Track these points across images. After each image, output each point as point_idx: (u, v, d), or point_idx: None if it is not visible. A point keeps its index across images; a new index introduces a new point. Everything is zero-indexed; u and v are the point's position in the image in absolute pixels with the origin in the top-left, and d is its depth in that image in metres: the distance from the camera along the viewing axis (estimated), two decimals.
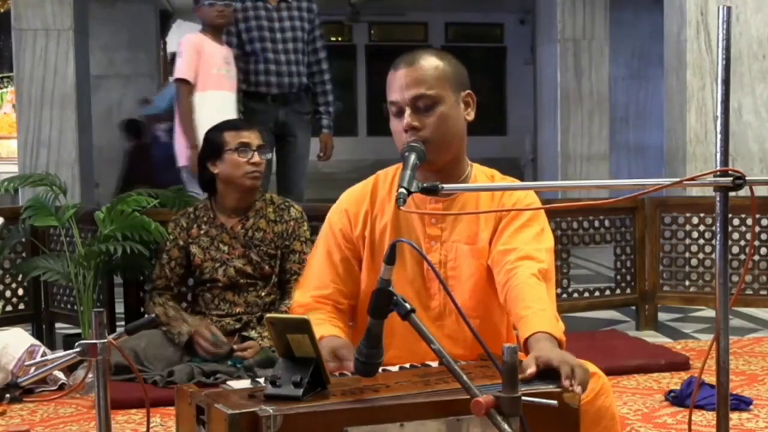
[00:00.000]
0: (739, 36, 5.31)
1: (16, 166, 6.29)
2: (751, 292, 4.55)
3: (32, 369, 3.14)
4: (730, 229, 4.43)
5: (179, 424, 1.76)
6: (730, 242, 4.51)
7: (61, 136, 6.11)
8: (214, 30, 4.83)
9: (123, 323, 4.04)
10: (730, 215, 2.22)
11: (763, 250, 4.55)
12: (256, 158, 3.56)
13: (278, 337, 1.64)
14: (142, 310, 4.07)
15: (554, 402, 1.54)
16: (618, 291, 4.72)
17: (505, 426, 1.44)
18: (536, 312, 1.86)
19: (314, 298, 2.12)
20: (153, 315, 3.57)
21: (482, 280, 2.07)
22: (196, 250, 3.65)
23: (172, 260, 3.68)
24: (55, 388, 3.56)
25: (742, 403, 3.21)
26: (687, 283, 4.65)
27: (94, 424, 2.85)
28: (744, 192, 1.76)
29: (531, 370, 1.67)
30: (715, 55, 4.17)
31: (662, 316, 4.85)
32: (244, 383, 1.73)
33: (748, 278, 4.53)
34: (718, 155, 1.77)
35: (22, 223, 4.09)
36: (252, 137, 3.60)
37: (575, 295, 4.69)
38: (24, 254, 4.30)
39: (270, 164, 5.09)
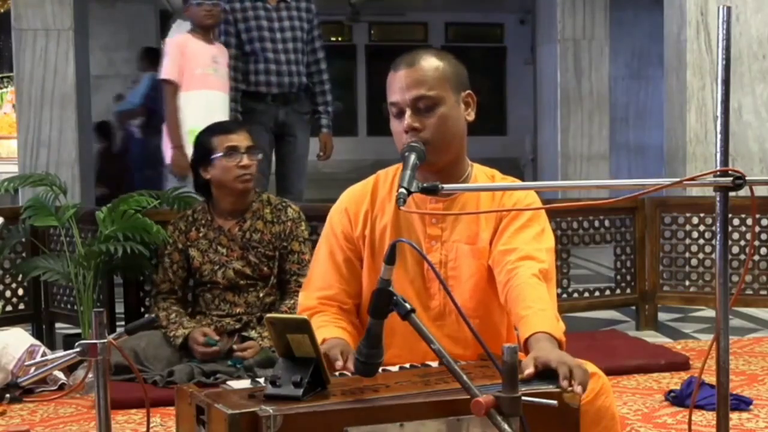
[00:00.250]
0: (739, 36, 5.31)
1: (16, 166, 6.28)
2: (751, 292, 4.55)
3: (32, 369, 3.14)
4: (730, 229, 4.43)
5: (179, 424, 1.76)
6: (730, 242, 4.51)
7: (61, 136, 6.11)
8: (202, 30, 4.83)
9: (123, 323, 4.04)
10: (730, 215, 2.22)
11: (763, 250, 4.55)
12: (246, 161, 3.54)
13: (278, 337, 1.64)
14: (142, 310, 4.07)
15: (554, 402, 1.54)
16: (618, 291, 4.72)
17: (505, 426, 1.44)
18: (537, 312, 1.86)
19: (319, 299, 2.12)
20: (153, 315, 3.59)
21: (482, 281, 2.07)
22: (195, 252, 3.65)
23: (174, 263, 3.68)
24: (55, 388, 3.56)
25: (742, 403, 3.21)
26: (687, 283, 4.65)
27: (94, 424, 2.85)
28: (744, 192, 1.76)
29: (529, 370, 1.67)
30: (715, 55, 4.17)
31: (662, 316, 4.85)
32: (244, 383, 1.73)
33: (748, 278, 4.53)
34: (718, 155, 1.77)
35: (22, 223, 4.09)
36: (240, 139, 3.58)
37: (575, 295, 4.69)
38: (24, 254, 4.30)
39: (269, 164, 5.10)
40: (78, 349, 1.80)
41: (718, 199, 1.77)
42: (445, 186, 1.78)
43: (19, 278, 4.32)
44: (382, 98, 2.09)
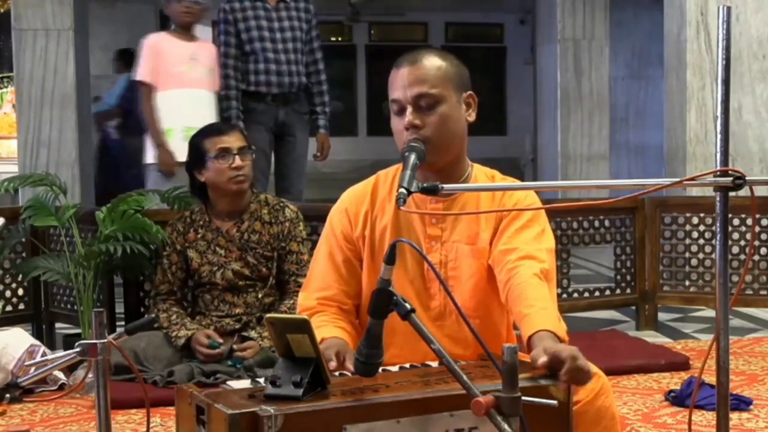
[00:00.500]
0: (739, 36, 5.31)
1: (16, 166, 6.28)
2: (751, 292, 4.55)
3: (32, 369, 3.14)
4: (730, 229, 4.44)
5: (179, 424, 1.76)
6: (730, 242, 4.51)
7: (61, 136, 6.10)
8: (181, 27, 4.83)
9: (123, 323, 4.04)
10: (730, 215, 2.22)
11: (763, 250, 4.55)
12: (237, 162, 3.53)
13: (278, 337, 1.64)
14: (142, 310, 4.07)
15: (554, 402, 1.53)
16: (618, 291, 4.72)
17: (505, 426, 1.44)
18: (539, 311, 1.86)
19: (318, 300, 2.12)
20: (153, 315, 3.59)
21: (482, 281, 2.07)
22: (194, 254, 3.65)
23: (173, 265, 3.69)
24: (55, 388, 3.56)
25: (742, 403, 3.21)
26: (687, 283, 4.65)
27: (94, 424, 2.85)
28: (744, 192, 1.76)
29: (543, 359, 1.66)
30: (715, 55, 4.17)
31: (662, 316, 4.85)
32: (244, 383, 1.73)
33: (748, 278, 4.53)
34: (718, 155, 1.77)
35: (22, 223, 4.09)
36: (232, 140, 3.57)
37: (575, 295, 4.69)
38: (24, 254, 4.30)
39: (269, 164, 5.10)
40: (78, 349, 1.80)
41: (718, 199, 1.77)
42: (445, 186, 1.78)
43: (19, 278, 4.32)
44: (382, 98, 2.09)
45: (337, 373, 1.81)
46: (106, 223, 3.74)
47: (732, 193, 1.74)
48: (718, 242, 1.79)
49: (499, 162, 4.71)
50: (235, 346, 3.54)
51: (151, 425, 2.29)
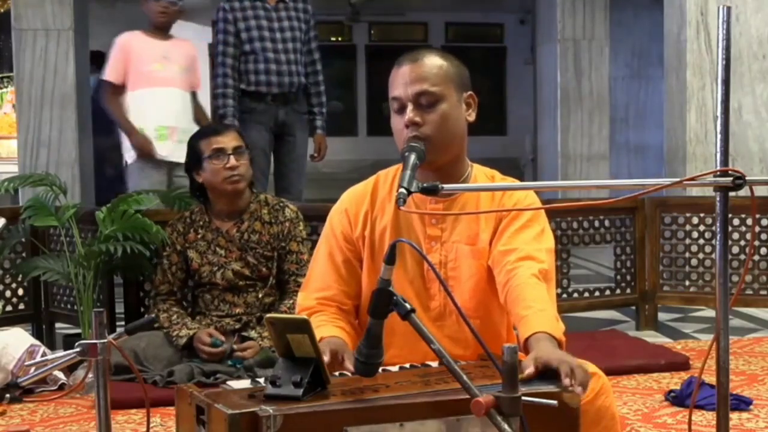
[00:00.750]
0: (739, 36, 5.31)
1: (16, 166, 6.28)
2: (751, 292, 4.55)
3: (32, 369, 3.14)
4: (730, 229, 4.43)
5: (179, 424, 1.76)
6: (730, 242, 4.51)
7: (61, 136, 6.11)
8: (155, 26, 4.83)
9: (123, 323, 4.04)
10: (730, 215, 2.22)
11: (763, 250, 4.55)
12: (232, 162, 3.53)
13: (278, 337, 1.64)
14: (142, 310, 4.07)
15: (554, 402, 1.53)
16: (618, 291, 4.72)
17: (505, 426, 1.44)
18: (536, 312, 1.86)
19: (318, 300, 2.12)
20: (153, 315, 3.59)
21: (482, 281, 2.07)
22: (194, 254, 3.65)
23: (173, 265, 3.69)
24: (55, 388, 3.56)
25: (742, 403, 3.20)
26: (687, 283, 4.65)
27: (94, 424, 2.85)
28: (744, 192, 1.76)
29: (530, 370, 1.67)
30: (715, 55, 4.17)
31: (662, 316, 4.85)
32: (244, 383, 1.73)
33: (748, 278, 4.53)
34: (718, 155, 1.77)
35: (22, 223, 4.09)
36: (226, 140, 3.56)
37: (575, 295, 4.69)
38: (24, 254, 4.30)
39: (269, 164, 5.11)
40: (78, 349, 1.80)
41: (718, 199, 1.77)
42: (445, 186, 1.78)
43: (19, 278, 4.32)
44: (382, 98, 2.09)
45: (337, 373, 1.81)
46: (106, 223, 3.74)
47: (732, 193, 1.74)
48: (718, 242, 1.79)
49: (499, 162, 4.71)
50: (235, 346, 3.54)
51: (151, 425, 2.30)
